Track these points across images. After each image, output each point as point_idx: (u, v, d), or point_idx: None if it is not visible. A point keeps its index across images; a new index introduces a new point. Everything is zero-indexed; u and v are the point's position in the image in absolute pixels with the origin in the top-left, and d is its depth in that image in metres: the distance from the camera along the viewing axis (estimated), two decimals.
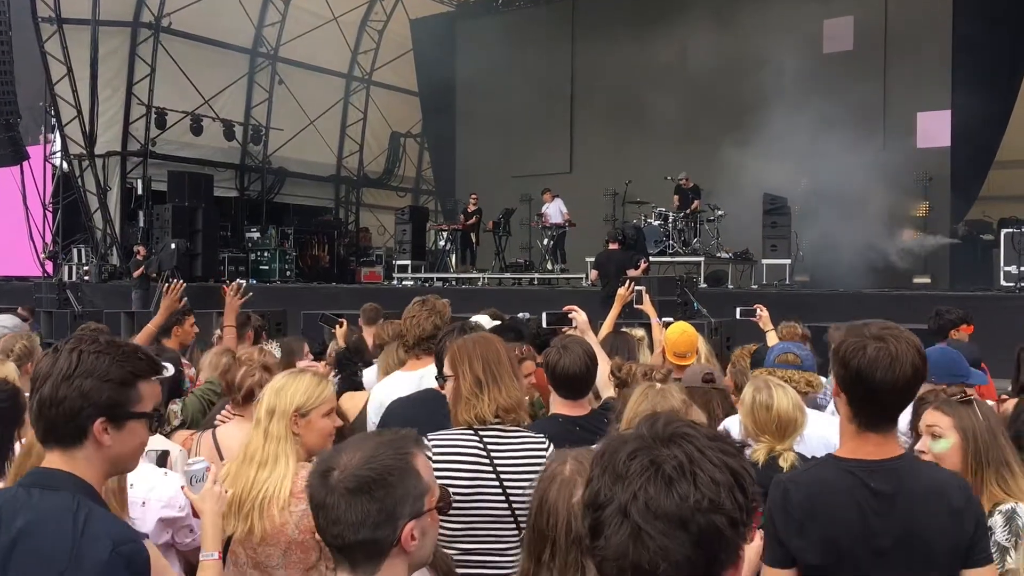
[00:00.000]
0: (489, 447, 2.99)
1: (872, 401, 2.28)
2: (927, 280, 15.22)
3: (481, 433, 3.02)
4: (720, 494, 1.23)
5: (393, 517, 1.75)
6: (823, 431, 3.54)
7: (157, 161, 21.25)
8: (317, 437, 2.96)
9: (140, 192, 21.13)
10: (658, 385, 3.00)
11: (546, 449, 3.09)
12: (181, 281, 5.66)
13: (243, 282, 5.84)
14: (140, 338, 5.27)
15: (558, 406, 3.63)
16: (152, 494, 3.01)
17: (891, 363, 2.23)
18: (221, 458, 3.40)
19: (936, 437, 2.75)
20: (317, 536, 2.72)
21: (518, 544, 2.99)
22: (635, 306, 6.08)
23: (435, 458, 2.91)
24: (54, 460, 2.04)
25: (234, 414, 3.74)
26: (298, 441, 2.93)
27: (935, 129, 16.91)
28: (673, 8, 19.28)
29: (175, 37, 21.17)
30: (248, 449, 2.92)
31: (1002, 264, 12.75)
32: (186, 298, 5.63)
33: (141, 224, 20.67)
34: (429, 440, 2.98)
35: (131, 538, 2.00)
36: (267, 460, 2.86)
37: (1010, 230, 12.94)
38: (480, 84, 23.02)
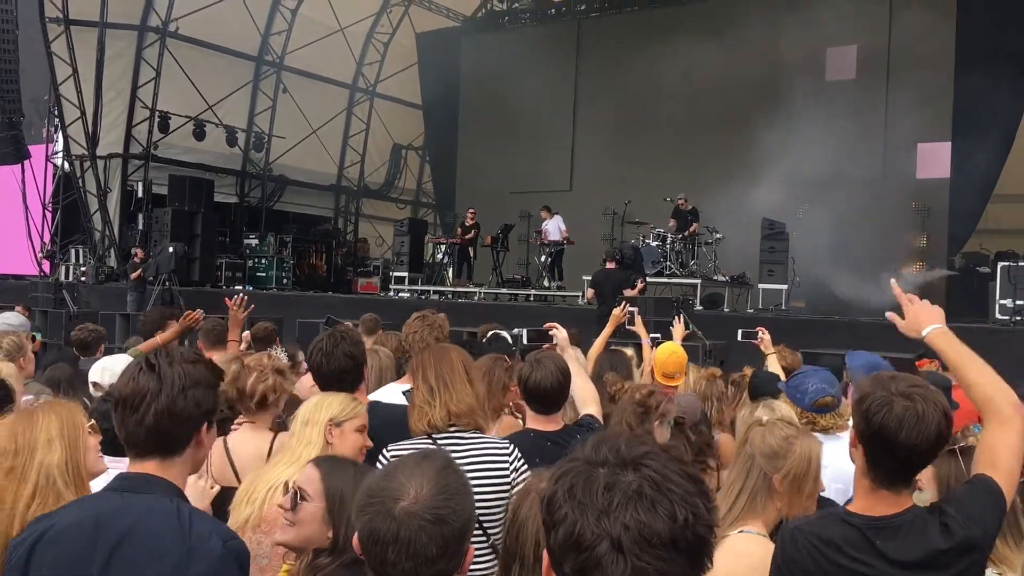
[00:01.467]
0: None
1: (892, 459, 2.21)
2: None
3: (439, 441, 3.06)
4: (697, 504, 1.24)
5: (464, 543, 1.73)
6: (839, 461, 3.42)
7: (158, 164, 21.26)
8: (350, 450, 3.03)
9: (140, 195, 21.13)
10: (764, 418, 3.00)
11: (509, 454, 3.12)
12: (201, 312, 5.57)
13: (244, 295, 5.71)
14: (145, 348, 5.24)
15: (531, 421, 3.66)
16: None
17: (916, 423, 2.16)
18: (232, 465, 3.43)
19: (920, 489, 2.72)
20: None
21: (488, 551, 3.01)
22: (627, 327, 6.11)
23: None
24: (145, 467, 2.14)
25: (246, 421, 3.70)
26: (330, 450, 3.00)
27: (935, 160, 16.99)
28: (677, 31, 19.38)
29: (181, 42, 21.21)
30: (284, 451, 3.08)
31: (998, 297, 12.75)
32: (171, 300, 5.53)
33: (140, 227, 20.66)
34: (388, 451, 3.05)
35: (235, 535, 2.13)
36: (291, 459, 2.97)
37: (1007, 263, 12.96)
38: (483, 99, 23.13)
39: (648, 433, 3.19)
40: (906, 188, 16.84)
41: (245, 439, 3.57)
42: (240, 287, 19.60)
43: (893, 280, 2.63)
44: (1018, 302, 12.23)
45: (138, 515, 2.03)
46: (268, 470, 3.01)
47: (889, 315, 2.62)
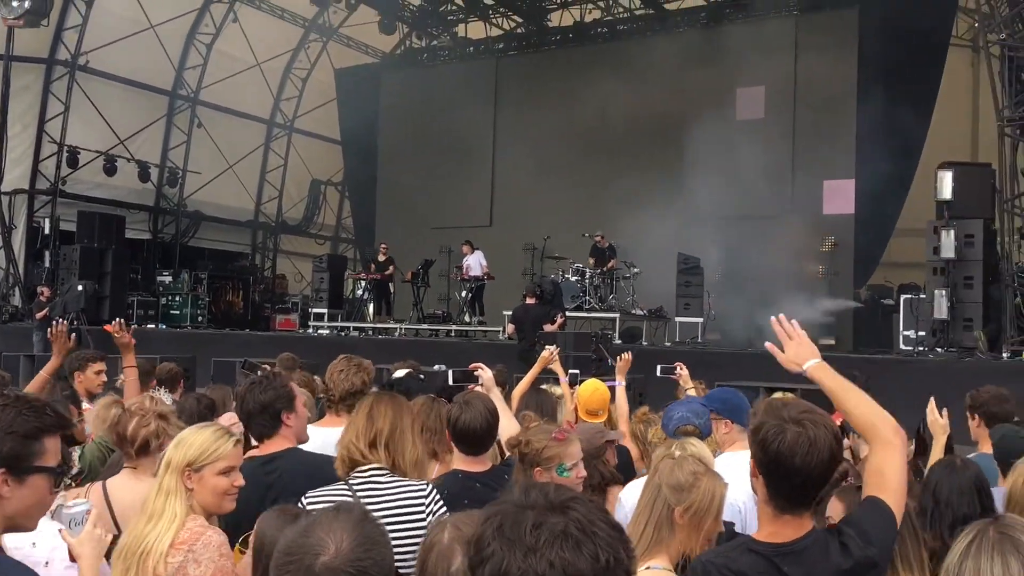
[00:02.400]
0: (359, 498, 3.01)
1: (789, 485, 2.30)
2: (832, 342, 15.71)
3: (355, 486, 3.06)
4: (619, 549, 1.30)
5: None
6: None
7: (67, 200, 20.66)
8: (210, 496, 2.89)
9: (47, 232, 20.47)
10: (677, 453, 3.03)
11: (426, 496, 3.10)
12: (64, 321, 5.27)
13: (120, 319, 5.50)
14: (34, 385, 4.99)
15: (459, 462, 3.66)
16: (56, 553, 2.83)
17: (809, 448, 2.25)
18: (111, 511, 3.28)
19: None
20: None
21: None
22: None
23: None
24: None
25: (127, 467, 3.54)
26: (192, 497, 2.87)
27: (840, 196, 17.65)
28: (594, 70, 19.82)
29: (92, 76, 20.75)
30: (145, 502, 2.89)
31: (901, 329, 13.25)
32: (76, 337, 5.28)
33: (47, 264, 19.99)
34: (306, 499, 3.00)
35: None
36: (154, 514, 2.82)
37: (909, 296, 13.50)
38: (402, 135, 23.18)
39: (531, 479, 3.20)
40: (813, 223, 17.42)
41: (125, 486, 3.40)
42: (153, 325, 19.12)
43: (773, 318, 2.78)
44: (920, 333, 12.72)
45: None
46: (136, 526, 2.83)
47: (769, 346, 2.77)
